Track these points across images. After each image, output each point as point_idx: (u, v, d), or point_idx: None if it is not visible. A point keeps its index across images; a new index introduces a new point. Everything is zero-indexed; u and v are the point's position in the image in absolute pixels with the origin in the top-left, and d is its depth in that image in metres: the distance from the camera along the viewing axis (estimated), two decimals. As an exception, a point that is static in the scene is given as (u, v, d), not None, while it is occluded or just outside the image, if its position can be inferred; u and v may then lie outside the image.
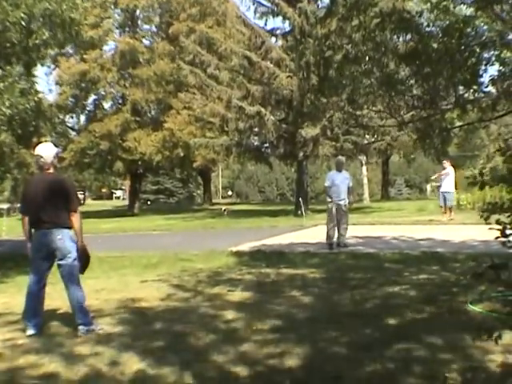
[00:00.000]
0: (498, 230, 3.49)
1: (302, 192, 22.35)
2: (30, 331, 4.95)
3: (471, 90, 7.90)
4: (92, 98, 32.08)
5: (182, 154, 29.02)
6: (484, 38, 7.46)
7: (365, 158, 29.26)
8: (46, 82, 63.67)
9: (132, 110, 29.54)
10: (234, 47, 21.32)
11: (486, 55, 7.56)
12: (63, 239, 4.95)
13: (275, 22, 23.58)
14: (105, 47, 30.93)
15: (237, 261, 9.51)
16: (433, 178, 18.54)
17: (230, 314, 5.46)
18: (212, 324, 5.15)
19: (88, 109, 32.39)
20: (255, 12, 22.10)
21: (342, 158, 12.14)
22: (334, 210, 10.76)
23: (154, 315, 5.61)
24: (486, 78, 7.63)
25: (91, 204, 49.37)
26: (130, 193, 36.17)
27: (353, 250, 10.42)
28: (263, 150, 24.49)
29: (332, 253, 10.18)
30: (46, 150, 5.09)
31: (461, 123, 10.64)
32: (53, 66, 30.09)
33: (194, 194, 59.73)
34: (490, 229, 3.53)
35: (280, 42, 23.11)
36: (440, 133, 8.49)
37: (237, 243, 11.89)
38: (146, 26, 33.03)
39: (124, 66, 29.82)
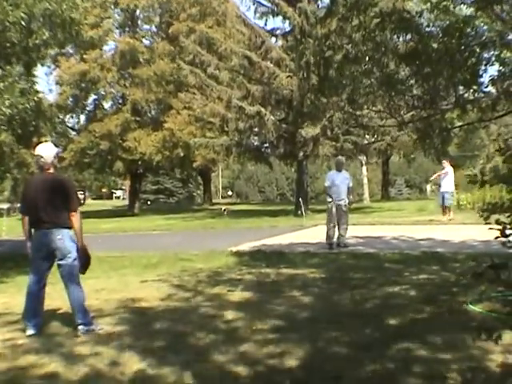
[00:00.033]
0: (498, 229, 3.49)
1: (302, 192, 22.35)
2: (30, 331, 4.95)
3: (471, 90, 7.89)
4: (92, 97, 32.15)
5: (182, 154, 29.02)
6: (484, 38, 7.45)
7: (365, 158, 29.26)
8: (46, 82, 63.73)
9: (132, 110, 29.54)
10: (234, 47, 21.33)
11: (486, 55, 7.55)
12: (63, 239, 4.95)
13: (275, 22, 23.62)
14: (105, 47, 31.02)
15: (237, 261, 9.51)
16: (431, 178, 18.54)
17: (230, 314, 5.46)
18: (212, 324, 5.15)
19: (88, 109, 32.41)
20: (255, 12, 22.16)
21: (342, 158, 12.16)
22: (333, 209, 10.77)
23: (154, 315, 5.61)
24: (485, 78, 7.63)
25: (91, 204, 49.33)
26: (130, 193, 36.17)
27: (353, 249, 10.42)
28: (263, 149, 24.50)
29: (332, 253, 10.18)
30: (47, 150, 5.09)
31: (461, 123, 10.63)
32: (53, 66, 30.12)
33: (194, 194, 59.73)
34: (490, 229, 3.53)
35: (280, 42, 23.12)
36: (440, 133, 8.49)
37: (237, 243, 11.89)
38: (146, 26, 33.11)
39: (124, 65, 29.82)
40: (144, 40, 32.09)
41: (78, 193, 6.51)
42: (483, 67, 7.50)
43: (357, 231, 12.70)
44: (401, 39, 7.77)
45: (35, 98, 10.07)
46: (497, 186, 4.10)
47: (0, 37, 9.25)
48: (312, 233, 13.86)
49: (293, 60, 21.09)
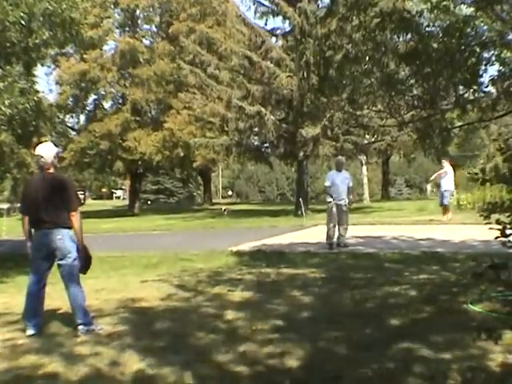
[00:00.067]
0: (498, 229, 3.50)
1: (302, 192, 22.35)
2: (30, 331, 4.95)
3: (471, 90, 7.90)
4: (92, 97, 32.13)
5: (182, 154, 29.01)
6: (484, 37, 7.45)
7: (365, 157, 29.26)
8: (46, 82, 63.61)
9: (132, 110, 29.54)
10: (234, 47, 21.32)
11: (486, 55, 7.55)
12: (63, 239, 4.95)
13: (275, 22, 23.62)
14: (105, 47, 31.00)
15: (237, 261, 9.51)
16: (432, 178, 18.54)
17: (230, 314, 5.46)
18: (212, 324, 5.15)
19: (88, 109, 32.41)
20: (255, 12, 22.15)
21: (342, 158, 12.15)
22: (334, 209, 10.76)
23: (154, 315, 5.61)
24: (486, 78, 7.63)
25: (91, 204, 49.34)
26: (130, 193, 36.17)
27: (353, 249, 10.42)
28: (263, 149, 24.50)
29: (332, 253, 10.18)
30: (47, 150, 5.08)
31: (461, 123, 10.64)
32: (53, 66, 30.10)
33: (194, 193, 59.74)
34: (490, 229, 3.54)
35: (280, 42, 23.11)
36: (440, 133, 8.49)
37: (237, 243, 11.89)
38: (146, 26, 33.07)
39: (124, 65, 29.82)
40: (144, 40, 32.10)
41: (78, 193, 6.52)
42: (483, 67, 7.51)
43: (357, 231, 12.70)
44: (401, 39, 7.77)
45: (35, 98, 10.06)
46: (497, 185, 4.11)
47: (0, 36, 9.24)
48: (312, 233, 13.86)
49: (293, 60, 21.10)
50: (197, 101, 22.86)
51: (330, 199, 10.87)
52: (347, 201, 10.97)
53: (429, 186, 36.02)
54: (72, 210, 4.95)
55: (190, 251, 10.69)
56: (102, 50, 30.28)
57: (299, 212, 19.57)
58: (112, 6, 30.89)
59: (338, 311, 5.48)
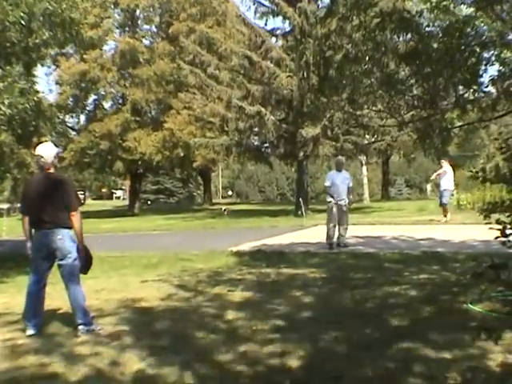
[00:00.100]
0: (498, 229, 3.50)
1: (302, 192, 22.34)
2: (30, 331, 4.95)
3: (471, 90, 7.90)
4: (92, 97, 32.12)
5: (181, 154, 29.01)
6: (484, 37, 7.45)
7: (365, 157, 29.26)
8: (46, 82, 63.63)
9: (132, 110, 29.53)
10: (234, 47, 21.32)
11: (485, 55, 7.55)
12: (63, 239, 4.95)
13: (275, 22, 23.61)
14: (105, 47, 30.99)
15: (237, 261, 9.51)
16: (432, 177, 18.54)
17: (230, 314, 5.46)
18: (212, 324, 5.15)
19: (88, 109, 32.40)
20: (255, 12, 22.13)
21: (342, 158, 12.15)
22: (334, 209, 10.77)
23: (155, 315, 5.61)
24: (486, 78, 7.63)
25: (91, 204, 49.35)
26: (130, 193, 36.17)
27: (353, 249, 10.42)
28: (263, 149, 24.49)
29: (332, 253, 10.18)
30: (47, 150, 5.08)
31: (461, 123, 10.64)
32: (53, 66, 30.10)
33: (194, 193, 59.74)
34: (490, 228, 3.54)
35: (280, 42, 23.11)
36: (440, 133, 8.48)
37: (237, 243, 11.89)
38: (146, 26, 33.06)
39: (124, 65, 29.82)
40: (144, 40, 32.09)
41: (78, 193, 6.52)
42: (483, 67, 7.51)
43: (357, 231, 12.70)
44: (401, 39, 7.77)
45: (35, 98, 10.06)
46: (497, 185, 4.11)
47: (0, 36, 9.24)
48: (312, 233, 13.86)
49: (293, 60, 21.09)
50: (197, 101, 22.86)
51: (330, 199, 10.86)
52: (347, 201, 10.98)
53: (429, 186, 35.96)
54: (72, 210, 4.96)
55: (189, 251, 10.69)
56: (101, 50, 30.27)
57: (299, 212, 19.57)
58: (112, 6, 30.88)
59: (338, 311, 5.49)
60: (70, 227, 4.99)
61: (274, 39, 23.05)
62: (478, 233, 10.45)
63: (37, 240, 5.06)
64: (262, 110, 20.49)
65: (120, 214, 29.46)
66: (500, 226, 3.50)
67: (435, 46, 7.49)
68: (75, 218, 4.95)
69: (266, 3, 22.13)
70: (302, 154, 21.81)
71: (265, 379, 3.72)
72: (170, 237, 15.64)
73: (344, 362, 3.94)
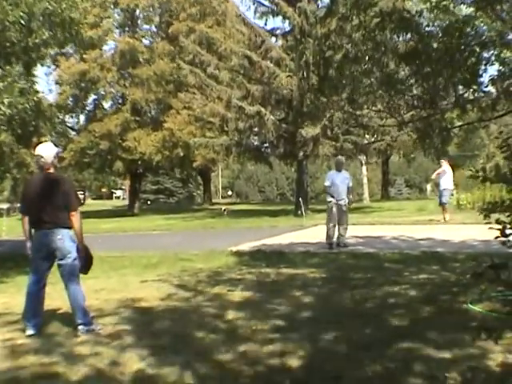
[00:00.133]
0: (498, 229, 3.50)
1: (301, 192, 22.34)
2: (30, 331, 4.95)
3: (471, 90, 7.90)
4: (92, 97, 32.12)
5: (181, 154, 29.01)
6: (484, 37, 7.45)
7: (364, 157, 29.25)
8: (46, 82, 63.69)
9: (132, 110, 29.53)
10: (234, 47, 21.32)
11: (485, 55, 7.55)
12: (63, 239, 4.95)
13: (275, 22, 23.65)
14: (105, 47, 30.99)
15: (237, 261, 9.51)
16: (432, 177, 18.55)
17: (230, 314, 5.46)
18: (212, 324, 5.15)
19: (88, 108, 32.40)
20: (255, 12, 22.14)
21: (342, 158, 12.15)
22: (334, 209, 10.77)
23: (155, 315, 5.61)
24: (485, 78, 7.63)
25: (91, 204, 49.35)
26: (129, 193, 36.16)
27: (353, 249, 10.42)
28: (263, 149, 24.49)
29: (332, 252, 10.18)
30: (47, 150, 5.08)
31: (461, 123, 10.65)
32: (53, 66, 30.09)
33: (194, 193, 59.73)
34: (490, 228, 3.54)
35: (280, 42, 23.11)
36: (440, 132, 8.49)
37: (237, 243, 11.89)
38: (146, 26, 33.06)
39: (124, 65, 29.81)
40: (144, 40, 32.09)
41: (78, 193, 6.52)
42: (483, 67, 7.51)
43: (357, 231, 12.70)
44: (401, 39, 7.77)
45: (35, 98, 10.05)
46: (497, 185, 4.11)
47: (0, 36, 9.24)
48: (312, 233, 13.86)
49: (293, 60, 21.09)
50: (197, 101, 22.86)
51: (330, 199, 10.86)
52: (347, 201, 10.98)
53: (429, 186, 35.94)
54: (72, 210, 4.95)
55: (189, 251, 10.69)
56: (101, 49, 30.27)
57: (299, 212, 19.57)
58: (112, 6, 30.88)
59: (337, 311, 5.48)
60: (70, 227, 4.99)
61: (273, 39, 23.06)
62: (478, 233, 10.45)
63: (37, 240, 5.05)
64: (262, 109, 20.49)
65: (120, 214, 29.46)
66: (500, 226, 3.49)
67: (435, 45, 7.50)
68: (75, 217, 4.95)
69: (266, 3, 22.16)
70: (301, 153, 21.81)
71: (265, 379, 3.72)
72: (170, 237, 15.64)
73: (344, 362, 3.94)
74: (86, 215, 17.55)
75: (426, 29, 7.60)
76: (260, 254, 10.26)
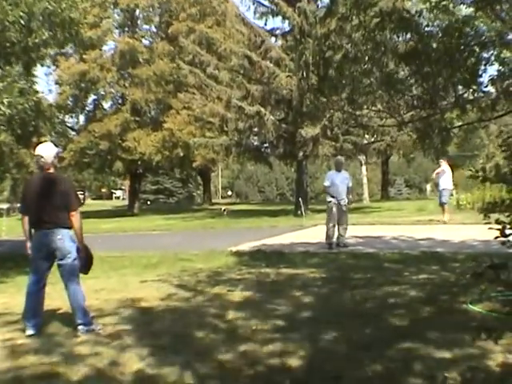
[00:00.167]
0: (498, 229, 3.50)
1: (301, 192, 22.35)
2: (30, 331, 4.95)
3: (471, 90, 7.89)
4: (92, 97, 32.14)
5: (181, 154, 29.01)
6: (484, 37, 7.45)
7: (364, 157, 29.27)
8: (46, 82, 63.64)
9: (132, 110, 29.53)
10: (234, 47, 21.32)
11: (485, 55, 7.55)
12: (63, 239, 4.95)
13: (275, 22, 23.69)
14: (104, 47, 31.01)
15: (237, 261, 9.51)
16: (432, 176, 18.55)
17: (229, 314, 5.46)
18: (212, 324, 5.15)
19: (87, 109, 32.42)
20: (255, 12, 22.15)
21: (342, 158, 12.16)
22: (334, 209, 10.77)
23: (155, 315, 5.62)
24: (485, 78, 7.63)
25: (91, 204, 49.36)
26: (129, 193, 36.17)
27: (353, 249, 10.42)
28: (263, 149, 24.50)
29: (332, 253, 10.18)
30: (47, 150, 5.08)
31: (461, 123, 10.64)
32: (52, 66, 30.09)
33: (194, 194, 59.74)
34: (490, 228, 3.54)
35: (279, 42, 23.12)
36: (440, 133, 8.48)
37: (237, 243, 11.89)
38: (146, 26, 33.07)
39: (124, 65, 29.81)
40: (144, 40, 32.10)
41: (78, 193, 6.51)
42: (483, 67, 7.50)
43: (356, 231, 12.70)
44: (400, 39, 7.76)
45: (34, 98, 10.06)
46: (497, 185, 4.11)
47: (-1, 36, 9.25)
48: (312, 233, 13.86)
49: (292, 60, 21.09)
50: (196, 101, 22.85)
51: (330, 199, 10.86)
52: (347, 201, 10.98)
53: (428, 186, 35.94)
54: (72, 210, 4.95)
55: (189, 251, 10.69)
56: (101, 50, 30.28)
57: (299, 212, 19.57)
58: (111, 6, 30.88)
59: (337, 311, 5.48)
60: (70, 227, 4.99)
61: (273, 39, 23.07)
62: (478, 233, 10.46)
63: (37, 240, 5.05)
64: (262, 109, 20.49)
65: (120, 214, 29.46)
66: (499, 226, 3.49)
67: (435, 45, 7.49)
68: (75, 217, 4.95)
69: (266, 3, 22.17)
70: (301, 153, 21.82)
71: (265, 379, 3.72)
72: (170, 237, 15.64)
73: (344, 362, 3.94)
74: (86, 215, 17.54)
75: (426, 29, 7.60)
76: (260, 254, 10.26)
